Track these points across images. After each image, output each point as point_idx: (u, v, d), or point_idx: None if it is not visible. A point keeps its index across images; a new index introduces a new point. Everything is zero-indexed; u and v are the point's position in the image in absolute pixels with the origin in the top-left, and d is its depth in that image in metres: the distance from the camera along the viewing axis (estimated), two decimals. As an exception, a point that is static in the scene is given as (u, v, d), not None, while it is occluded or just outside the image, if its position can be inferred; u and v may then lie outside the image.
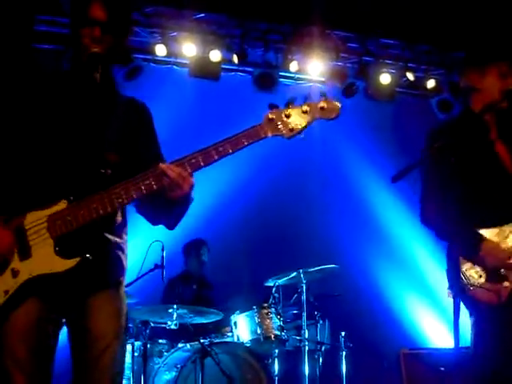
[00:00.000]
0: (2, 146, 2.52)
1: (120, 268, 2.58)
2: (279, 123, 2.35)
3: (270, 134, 2.36)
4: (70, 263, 2.36)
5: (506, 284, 3.11)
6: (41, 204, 2.40)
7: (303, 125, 2.35)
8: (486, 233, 3.19)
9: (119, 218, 2.60)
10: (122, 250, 2.59)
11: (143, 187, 2.37)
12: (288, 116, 2.35)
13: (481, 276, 3.14)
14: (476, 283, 3.13)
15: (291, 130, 2.35)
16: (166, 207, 2.50)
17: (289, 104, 2.38)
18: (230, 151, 2.36)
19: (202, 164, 2.36)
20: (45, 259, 2.36)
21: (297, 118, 2.35)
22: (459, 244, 3.12)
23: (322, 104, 2.37)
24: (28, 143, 2.49)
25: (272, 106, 2.38)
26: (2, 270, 2.37)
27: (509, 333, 3.09)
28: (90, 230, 2.41)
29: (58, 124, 2.51)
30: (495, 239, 3.17)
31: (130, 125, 2.63)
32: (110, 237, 2.52)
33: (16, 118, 2.53)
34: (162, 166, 2.36)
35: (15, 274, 2.36)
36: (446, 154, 3.07)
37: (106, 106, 2.61)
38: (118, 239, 2.56)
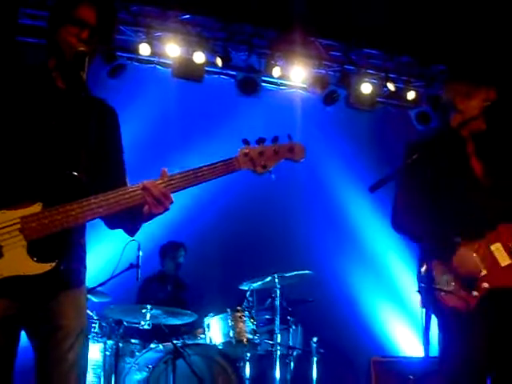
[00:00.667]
0: None
1: (84, 267, 2.60)
2: (253, 159, 2.56)
3: (244, 168, 2.57)
4: (44, 267, 2.35)
5: (475, 293, 3.18)
6: (11, 204, 2.36)
7: (273, 164, 2.59)
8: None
9: None
10: (84, 249, 2.61)
11: (124, 201, 2.43)
12: (261, 154, 2.57)
13: (452, 282, 3.20)
14: (446, 288, 3.19)
15: (263, 167, 2.58)
16: (134, 217, 2.57)
17: (260, 142, 2.59)
18: (208, 178, 2.53)
19: (180, 187, 2.50)
20: (17, 261, 2.33)
21: (268, 157, 2.58)
22: (433, 246, 3.14)
23: (290, 146, 2.61)
24: (5, 140, 2.45)
25: (245, 142, 2.59)
26: None
27: (470, 341, 3.14)
28: (61, 234, 2.39)
29: (34, 123, 2.49)
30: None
31: (103, 129, 2.65)
32: (77, 239, 2.53)
33: None
34: (147, 183, 2.46)
35: None
36: (422, 167, 3.14)
37: (85, 107, 2.58)
38: (81, 239, 2.57)
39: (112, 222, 2.64)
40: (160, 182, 2.48)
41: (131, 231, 2.69)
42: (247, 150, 2.55)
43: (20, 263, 2.33)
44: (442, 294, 3.19)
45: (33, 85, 2.57)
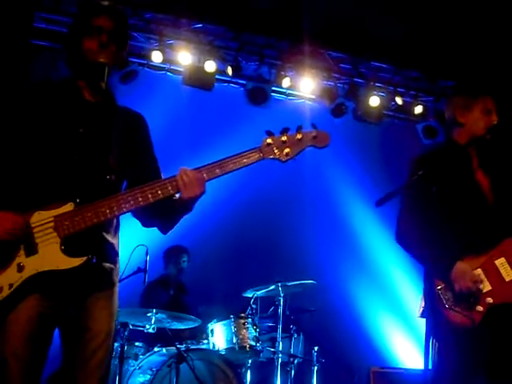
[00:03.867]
0: (12, 149, 2.61)
1: (116, 266, 2.69)
2: (276, 148, 2.59)
3: (267, 157, 2.60)
4: (76, 262, 2.47)
5: (480, 308, 3.20)
6: (46, 205, 2.51)
7: (297, 151, 2.60)
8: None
9: (115, 220, 2.71)
10: (117, 252, 2.71)
11: (150, 195, 2.52)
12: (284, 142, 2.60)
13: (456, 300, 3.22)
14: (451, 305, 3.21)
15: (286, 154, 2.60)
16: (166, 213, 2.67)
17: (284, 131, 2.62)
18: (232, 169, 2.59)
19: (206, 178, 2.58)
20: (51, 256, 2.46)
21: (291, 145, 2.60)
22: (433, 265, 3.17)
23: (314, 134, 2.62)
24: (36, 148, 2.59)
25: (269, 133, 2.62)
26: (7, 265, 2.46)
27: (473, 355, 3.17)
28: (93, 231, 2.53)
29: (65, 130, 2.62)
30: (469, 264, 3.26)
31: (130, 134, 2.78)
32: (109, 238, 2.63)
33: (27, 124, 2.62)
34: (183, 168, 2.57)
35: (21, 268, 2.45)
36: (427, 182, 3.19)
37: (109, 114, 2.74)
38: (114, 241, 2.67)
39: (145, 219, 2.75)
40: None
41: (164, 228, 2.78)
42: (270, 140, 2.60)
43: (53, 258, 2.46)
44: (449, 311, 3.20)
45: (61, 97, 2.70)
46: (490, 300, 3.21)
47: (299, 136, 2.60)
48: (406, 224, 3.44)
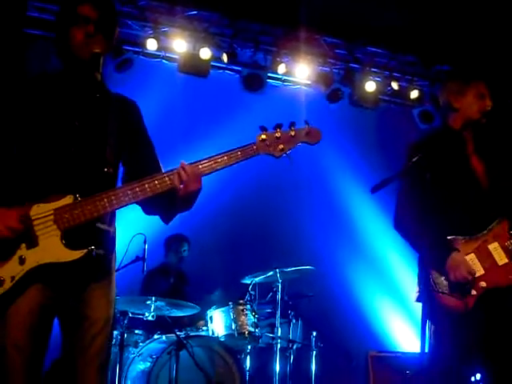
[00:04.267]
0: (10, 142, 2.62)
1: (114, 259, 2.74)
2: (270, 144, 2.65)
3: (261, 152, 2.67)
4: (77, 254, 2.50)
5: (474, 292, 3.26)
6: (45, 198, 2.53)
7: (290, 147, 2.68)
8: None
9: None
10: (114, 241, 2.74)
11: (148, 188, 2.56)
12: (278, 138, 2.66)
13: (449, 284, 3.27)
14: (445, 290, 3.26)
15: (281, 150, 2.67)
16: (166, 205, 2.70)
17: (277, 128, 2.68)
18: (227, 164, 2.63)
19: (202, 172, 2.62)
20: (52, 249, 2.49)
21: (285, 141, 2.67)
22: (428, 253, 3.21)
23: (307, 130, 2.69)
24: (34, 142, 2.60)
25: (263, 128, 2.67)
26: (9, 257, 2.48)
27: (466, 339, 3.23)
28: (93, 223, 2.56)
29: (61, 124, 2.63)
30: (463, 248, 3.31)
31: (126, 124, 2.79)
32: (107, 228, 2.65)
33: (24, 118, 2.63)
34: (183, 162, 2.61)
35: (22, 261, 2.47)
36: (423, 168, 3.21)
37: (103, 105, 2.75)
38: (112, 230, 2.70)
39: (146, 208, 2.79)
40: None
41: (166, 218, 2.81)
42: (264, 136, 2.65)
43: (54, 251, 2.49)
44: (441, 295, 3.26)
45: (56, 90, 2.70)
46: (483, 284, 3.27)
47: (292, 133, 2.67)
48: (402, 211, 3.47)
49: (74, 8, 2.68)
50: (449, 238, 3.34)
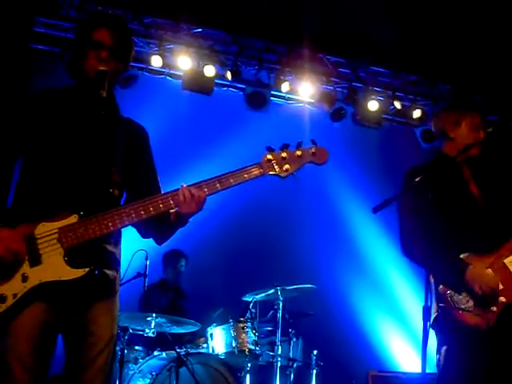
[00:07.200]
0: (16, 161, 2.68)
1: (118, 275, 2.75)
2: (276, 164, 2.63)
3: (268, 173, 2.64)
4: (79, 273, 2.52)
5: (494, 309, 3.19)
6: (51, 217, 2.55)
7: (297, 167, 2.65)
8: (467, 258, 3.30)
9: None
10: (119, 261, 2.75)
11: (151, 208, 2.58)
12: (284, 158, 2.64)
13: (468, 300, 3.22)
14: (464, 307, 3.21)
15: (286, 170, 2.64)
16: (163, 225, 2.73)
17: (283, 148, 2.66)
18: (232, 184, 2.62)
19: (206, 192, 2.62)
20: (55, 267, 2.51)
21: (291, 161, 2.64)
22: (442, 271, 3.21)
23: (314, 150, 2.66)
24: (39, 161, 2.64)
25: (269, 149, 2.65)
26: (12, 275, 2.50)
27: (484, 359, 3.17)
28: (96, 242, 2.58)
29: (68, 142, 2.66)
30: (478, 264, 3.26)
31: (132, 147, 2.82)
32: (111, 249, 2.67)
33: (30, 136, 2.66)
34: (184, 185, 2.62)
35: (25, 278, 2.50)
36: (423, 190, 3.26)
37: (111, 126, 2.78)
38: (116, 250, 2.72)
39: (143, 230, 2.80)
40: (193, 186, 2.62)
41: (160, 239, 2.85)
42: (271, 156, 2.63)
43: (57, 269, 2.51)
44: (460, 312, 3.20)
45: (63, 107, 2.73)
46: (502, 299, 3.20)
47: (299, 152, 2.65)
48: (408, 236, 3.46)
49: (90, 32, 2.73)
50: (462, 255, 3.31)
